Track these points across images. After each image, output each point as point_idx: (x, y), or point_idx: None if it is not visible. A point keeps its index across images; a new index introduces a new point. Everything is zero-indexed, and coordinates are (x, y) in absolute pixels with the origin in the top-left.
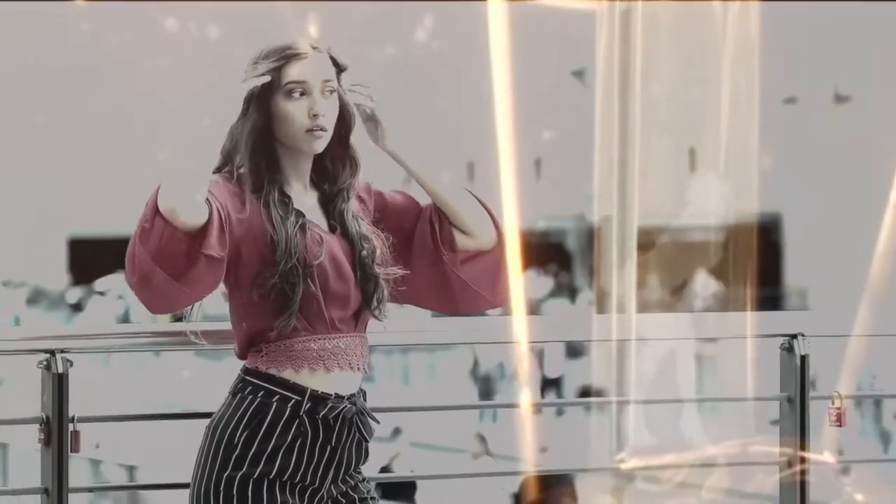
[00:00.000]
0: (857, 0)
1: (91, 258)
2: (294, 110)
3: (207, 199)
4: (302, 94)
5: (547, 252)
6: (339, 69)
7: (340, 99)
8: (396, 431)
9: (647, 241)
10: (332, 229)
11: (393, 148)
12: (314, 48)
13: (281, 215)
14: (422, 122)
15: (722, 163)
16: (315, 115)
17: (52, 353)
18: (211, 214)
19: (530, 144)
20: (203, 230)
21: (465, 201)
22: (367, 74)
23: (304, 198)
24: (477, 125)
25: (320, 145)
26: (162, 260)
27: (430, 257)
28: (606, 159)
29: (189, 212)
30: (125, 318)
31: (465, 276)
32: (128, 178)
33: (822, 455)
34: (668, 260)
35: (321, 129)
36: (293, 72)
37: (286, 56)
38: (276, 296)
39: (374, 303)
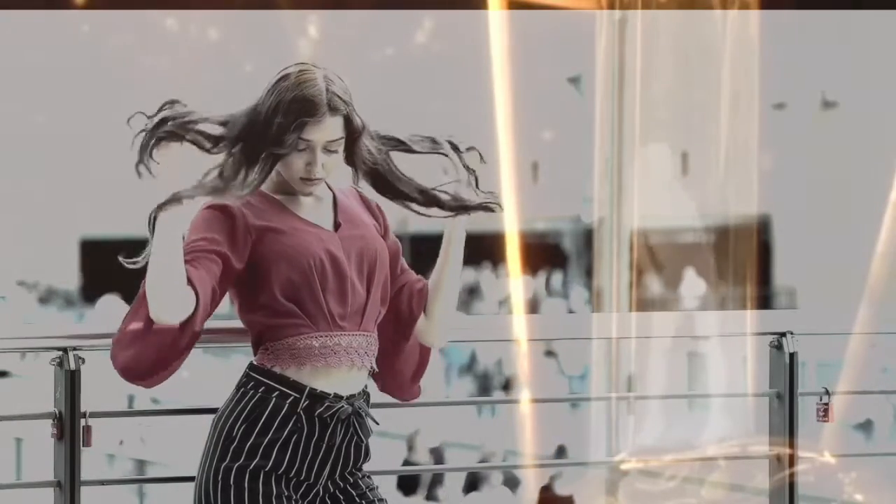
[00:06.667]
0: (846, 9)
1: (101, 259)
2: (294, 158)
3: (192, 283)
4: (304, 149)
5: (544, 253)
6: (355, 130)
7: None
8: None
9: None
10: (335, 227)
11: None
12: (332, 109)
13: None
14: (420, 124)
15: (720, 165)
16: (310, 170)
17: (64, 350)
18: (197, 302)
19: (528, 147)
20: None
21: (451, 298)
22: (366, 75)
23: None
24: (476, 128)
25: (313, 191)
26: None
27: (399, 327)
28: (604, 162)
29: (179, 312)
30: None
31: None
32: (133, 179)
33: (817, 452)
34: (663, 260)
35: (315, 180)
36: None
37: (301, 125)
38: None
39: (360, 165)
